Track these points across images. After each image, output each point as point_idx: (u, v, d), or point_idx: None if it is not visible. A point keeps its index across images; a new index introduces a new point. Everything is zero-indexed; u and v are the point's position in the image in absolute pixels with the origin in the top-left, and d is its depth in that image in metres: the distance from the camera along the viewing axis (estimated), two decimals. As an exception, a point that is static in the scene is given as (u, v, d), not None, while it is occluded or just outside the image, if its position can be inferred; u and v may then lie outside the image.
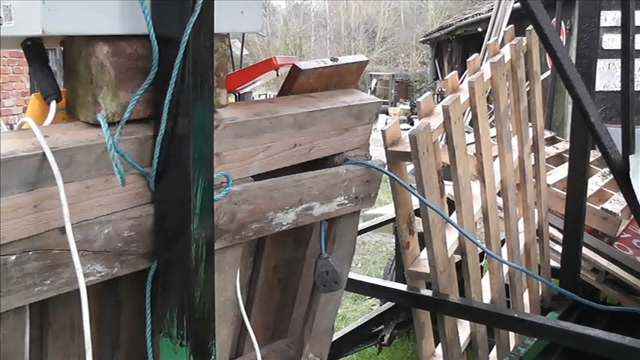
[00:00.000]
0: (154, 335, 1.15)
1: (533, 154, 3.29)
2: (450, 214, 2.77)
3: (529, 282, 3.27)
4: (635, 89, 2.11)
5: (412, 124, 11.69)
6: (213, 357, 1.11)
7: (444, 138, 2.90)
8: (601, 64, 7.09)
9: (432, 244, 2.43)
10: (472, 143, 3.35)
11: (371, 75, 21.44)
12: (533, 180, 3.29)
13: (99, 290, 1.14)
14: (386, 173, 1.59)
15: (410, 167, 3.68)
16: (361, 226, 3.28)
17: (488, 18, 9.45)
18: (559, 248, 3.30)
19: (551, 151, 4.24)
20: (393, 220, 3.73)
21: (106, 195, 1.03)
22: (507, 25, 5.65)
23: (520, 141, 3.16)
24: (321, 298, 1.62)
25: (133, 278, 1.14)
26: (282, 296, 1.64)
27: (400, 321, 3.28)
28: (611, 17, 7.14)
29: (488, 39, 8.45)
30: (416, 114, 3.03)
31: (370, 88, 20.27)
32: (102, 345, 1.22)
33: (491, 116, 3.82)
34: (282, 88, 1.52)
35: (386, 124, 3.00)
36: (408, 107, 19.58)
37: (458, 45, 15.72)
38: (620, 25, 2.10)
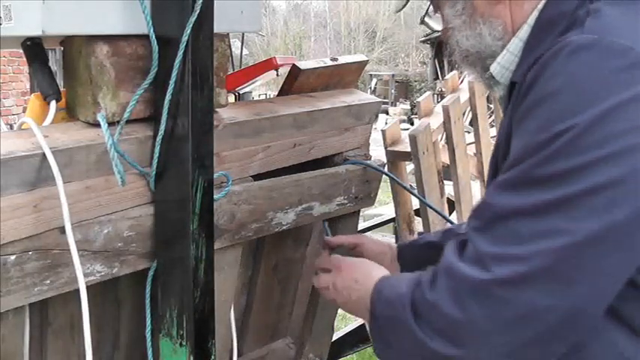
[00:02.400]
0: (153, 335, 1.15)
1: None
2: (450, 214, 2.77)
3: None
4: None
5: (412, 124, 11.69)
6: (213, 357, 1.11)
7: (444, 138, 2.91)
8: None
9: (431, 244, 2.42)
10: (472, 143, 3.35)
11: (371, 75, 21.45)
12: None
13: (99, 290, 1.14)
14: (385, 174, 1.59)
15: (410, 167, 3.68)
16: (361, 226, 3.27)
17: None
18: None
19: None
20: (393, 220, 3.73)
21: (105, 195, 1.03)
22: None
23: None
24: (320, 298, 1.62)
25: (132, 278, 1.14)
26: (282, 296, 1.65)
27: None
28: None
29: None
30: (416, 114, 3.03)
31: (370, 88, 20.27)
32: (102, 345, 1.22)
33: (491, 116, 3.82)
34: (282, 87, 1.52)
35: (386, 124, 3.00)
36: (408, 107, 19.58)
37: (458, 45, 15.65)
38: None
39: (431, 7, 1.08)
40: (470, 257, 0.86)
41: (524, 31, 0.95)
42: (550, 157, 0.78)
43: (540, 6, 0.93)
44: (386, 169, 1.68)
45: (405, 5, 1.10)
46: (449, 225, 1.37)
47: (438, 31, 1.09)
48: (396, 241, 3.68)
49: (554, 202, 0.78)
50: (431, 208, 2.03)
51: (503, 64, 0.98)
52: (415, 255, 1.34)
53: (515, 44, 0.96)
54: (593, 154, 0.76)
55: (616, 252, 0.78)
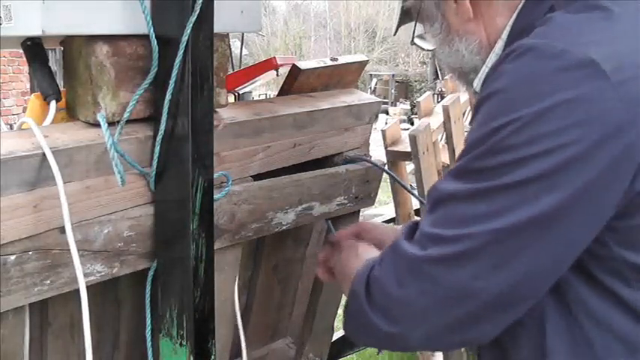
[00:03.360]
0: (153, 335, 1.15)
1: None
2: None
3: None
4: None
5: (412, 124, 11.69)
6: (213, 357, 1.11)
7: (444, 138, 2.91)
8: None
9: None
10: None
11: (371, 75, 21.44)
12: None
13: (99, 290, 1.14)
14: (386, 172, 1.59)
15: (410, 167, 3.68)
16: (361, 226, 3.27)
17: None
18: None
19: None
20: (393, 220, 3.72)
21: (105, 195, 1.03)
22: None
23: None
24: (320, 298, 1.62)
25: (132, 278, 1.14)
26: (282, 296, 1.65)
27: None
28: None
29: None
30: (416, 114, 3.03)
31: (370, 88, 20.26)
32: (102, 345, 1.22)
33: (491, 116, 3.80)
34: (281, 87, 1.52)
35: (386, 124, 3.00)
36: (408, 107, 19.58)
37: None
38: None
39: (420, 27, 1.12)
40: (416, 237, 0.92)
41: (499, 47, 0.99)
42: (485, 152, 0.84)
43: (511, 22, 0.97)
44: (386, 169, 1.68)
45: (397, 30, 1.16)
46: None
47: (429, 50, 1.16)
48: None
49: (486, 191, 0.83)
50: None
51: (484, 80, 1.01)
52: None
53: (492, 59, 1.00)
54: (523, 151, 0.81)
55: (541, 240, 0.82)
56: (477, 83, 1.04)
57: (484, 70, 1.01)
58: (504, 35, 0.98)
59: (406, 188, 2.09)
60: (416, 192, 2.34)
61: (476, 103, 0.90)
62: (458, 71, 1.07)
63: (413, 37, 1.17)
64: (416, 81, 23.11)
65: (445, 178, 0.92)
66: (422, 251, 0.88)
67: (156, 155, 1.05)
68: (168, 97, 1.01)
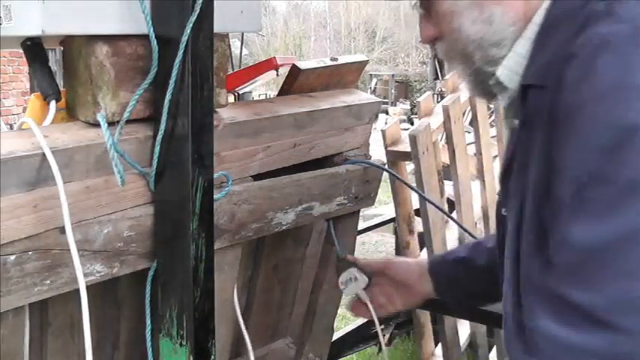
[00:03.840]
0: (153, 335, 1.15)
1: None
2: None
3: (529, 282, 3.26)
4: None
5: (412, 124, 11.69)
6: (213, 357, 1.11)
7: (444, 138, 2.91)
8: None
9: (432, 244, 2.43)
10: (472, 143, 3.35)
11: (371, 75, 21.44)
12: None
13: (99, 290, 1.14)
14: (386, 171, 1.60)
15: (410, 167, 3.69)
16: (361, 226, 3.28)
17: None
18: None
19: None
20: (393, 220, 3.73)
21: (105, 195, 1.03)
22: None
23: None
24: (320, 298, 1.62)
25: (132, 278, 1.14)
26: (282, 296, 1.65)
27: (400, 321, 3.28)
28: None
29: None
30: (416, 114, 3.03)
31: (370, 88, 20.27)
32: (102, 345, 1.22)
33: (491, 116, 3.82)
34: (281, 87, 1.52)
35: (386, 124, 3.00)
36: (408, 107, 19.58)
37: (458, 45, 15.63)
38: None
39: (417, 5, 1.04)
40: (575, 320, 0.71)
41: (530, 31, 0.90)
42: (626, 160, 0.69)
43: (546, 5, 0.89)
44: (386, 168, 1.68)
45: None
46: (473, 238, 1.40)
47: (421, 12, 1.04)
48: (396, 241, 3.69)
49: None
50: (430, 203, 2.03)
51: (511, 68, 0.93)
52: (446, 272, 1.36)
53: (522, 45, 0.91)
54: None
55: None
56: (502, 72, 0.94)
57: (511, 57, 0.92)
58: (537, 19, 0.90)
59: (407, 184, 2.09)
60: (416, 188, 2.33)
61: (569, 107, 0.76)
62: (474, 44, 0.94)
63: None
64: (416, 81, 23.12)
65: (571, 221, 0.72)
66: (609, 333, 0.68)
67: (156, 155, 1.05)
68: (168, 97, 1.01)
